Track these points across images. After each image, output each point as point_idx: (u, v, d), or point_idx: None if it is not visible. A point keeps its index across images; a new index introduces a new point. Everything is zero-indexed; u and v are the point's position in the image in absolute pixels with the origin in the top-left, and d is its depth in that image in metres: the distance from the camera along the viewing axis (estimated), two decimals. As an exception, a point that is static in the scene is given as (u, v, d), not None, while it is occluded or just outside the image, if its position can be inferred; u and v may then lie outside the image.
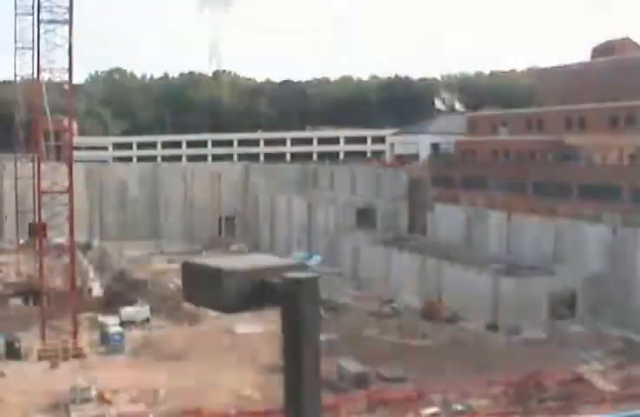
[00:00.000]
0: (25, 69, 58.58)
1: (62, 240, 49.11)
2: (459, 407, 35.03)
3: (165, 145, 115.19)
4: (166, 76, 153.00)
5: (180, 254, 70.32)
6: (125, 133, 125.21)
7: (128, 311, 51.59)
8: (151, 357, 44.33)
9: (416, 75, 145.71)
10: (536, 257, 55.11)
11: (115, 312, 51.34)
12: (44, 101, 46.30)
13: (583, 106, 65.19)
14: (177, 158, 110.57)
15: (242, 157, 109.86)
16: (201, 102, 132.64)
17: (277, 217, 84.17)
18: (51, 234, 49.77)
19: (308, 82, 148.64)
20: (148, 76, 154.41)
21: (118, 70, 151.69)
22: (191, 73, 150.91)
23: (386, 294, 60.43)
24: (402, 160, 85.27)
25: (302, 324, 3.60)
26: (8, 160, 74.19)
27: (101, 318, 49.89)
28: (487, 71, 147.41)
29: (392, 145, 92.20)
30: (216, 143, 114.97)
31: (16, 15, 59.08)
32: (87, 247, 75.70)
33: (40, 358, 43.55)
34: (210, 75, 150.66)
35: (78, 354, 44.34)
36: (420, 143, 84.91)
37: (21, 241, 68.95)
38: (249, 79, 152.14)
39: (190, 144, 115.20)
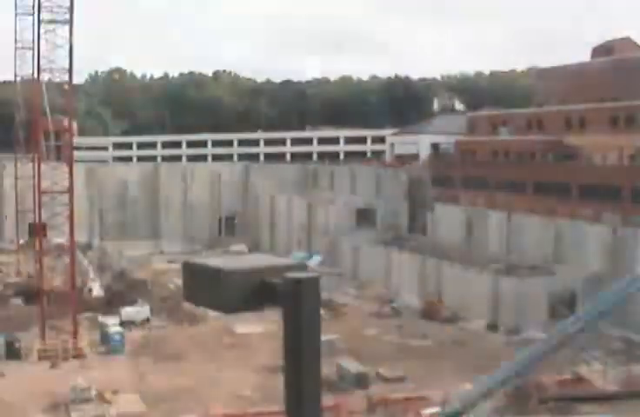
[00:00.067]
0: (25, 69, 58.62)
1: (62, 240, 49.08)
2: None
3: (165, 145, 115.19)
4: (166, 76, 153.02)
5: (180, 254, 70.32)
6: (125, 133, 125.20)
7: (128, 311, 51.58)
8: (151, 357, 44.32)
9: (416, 75, 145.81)
10: (536, 257, 55.10)
11: (115, 312, 51.33)
12: (44, 101, 46.30)
13: (583, 106, 65.17)
14: (177, 158, 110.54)
15: (242, 157, 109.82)
16: (201, 102, 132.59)
17: (277, 217, 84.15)
18: (51, 235, 49.76)
19: (308, 82, 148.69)
20: (148, 76, 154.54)
21: (118, 70, 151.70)
22: (191, 73, 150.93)
23: (386, 294, 60.45)
24: (402, 160, 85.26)
25: (302, 324, 3.60)
26: (8, 160, 74.17)
27: (101, 318, 49.87)
28: (487, 71, 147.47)
29: (392, 145, 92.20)
30: (216, 143, 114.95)
31: (16, 15, 59.10)
32: (87, 247, 75.68)
33: (40, 358, 43.55)
34: (210, 75, 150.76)
35: (78, 354, 44.33)
36: (420, 143, 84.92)
37: (21, 241, 68.91)
38: (249, 79, 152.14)
39: (190, 144, 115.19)
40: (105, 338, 46.48)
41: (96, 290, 57.56)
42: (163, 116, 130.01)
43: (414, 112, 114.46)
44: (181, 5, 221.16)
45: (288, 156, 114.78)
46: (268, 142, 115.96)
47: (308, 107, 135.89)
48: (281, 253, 75.48)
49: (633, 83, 61.43)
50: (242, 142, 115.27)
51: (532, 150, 66.58)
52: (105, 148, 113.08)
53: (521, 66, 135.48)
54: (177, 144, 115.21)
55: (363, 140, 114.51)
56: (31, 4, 47.15)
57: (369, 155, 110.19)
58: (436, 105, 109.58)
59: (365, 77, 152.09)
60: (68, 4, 42.98)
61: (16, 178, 66.85)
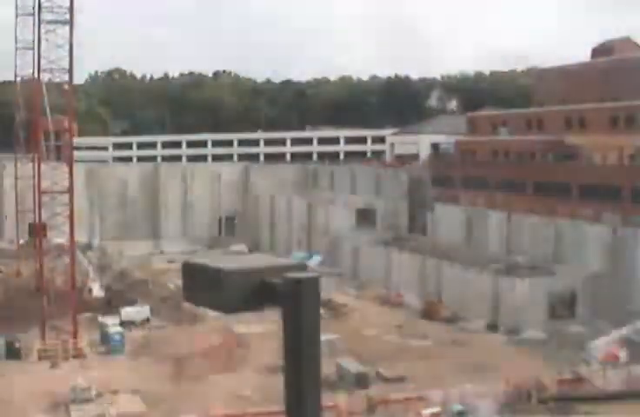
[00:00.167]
0: (26, 70, 58.61)
1: (62, 240, 49.09)
2: (459, 407, 35.04)
3: (165, 145, 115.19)
4: (166, 76, 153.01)
5: (180, 254, 70.32)
6: (125, 133, 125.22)
7: (128, 311, 51.58)
8: (151, 357, 44.32)
9: (416, 75, 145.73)
10: (536, 257, 55.11)
11: (115, 312, 51.33)
12: (44, 101, 46.34)
13: (583, 106, 65.15)
14: (177, 158, 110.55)
15: (242, 157, 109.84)
16: (201, 102, 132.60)
17: (277, 217, 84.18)
18: (51, 235, 49.76)
19: (308, 82, 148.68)
20: (148, 76, 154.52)
21: (118, 70, 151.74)
22: (191, 73, 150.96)
23: (386, 294, 60.47)
24: (402, 160, 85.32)
25: (302, 324, 3.60)
26: (8, 160, 74.17)
27: (101, 318, 49.88)
28: (487, 71, 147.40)
29: (392, 145, 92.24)
30: (216, 143, 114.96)
31: (16, 15, 59.09)
32: (87, 247, 75.67)
33: (40, 358, 43.56)
34: (210, 75, 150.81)
35: (78, 354, 44.34)
36: (420, 143, 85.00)
37: (21, 241, 68.90)
38: (249, 79, 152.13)
39: (190, 144, 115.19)
40: (105, 338, 46.50)
41: (96, 290, 57.55)
42: (163, 116, 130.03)
43: (414, 112, 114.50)
44: (181, 5, 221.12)
45: (288, 156, 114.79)
46: (268, 142, 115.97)
47: (308, 107, 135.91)
48: (281, 253, 75.50)
49: (633, 83, 61.42)
50: (242, 142, 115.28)
51: (532, 150, 66.58)
52: (105, 149, 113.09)
53: (521, 66, 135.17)
54: (177, 144, 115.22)
55: (363, 140, 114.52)
56: (32, 5, 47.26)
57: (369, 155, 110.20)
58: (435, 105, 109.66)
59: (365, 77, 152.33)
60: (68, 4, 43.03)
61: (16, 178, 66.85)
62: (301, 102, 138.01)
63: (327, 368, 30.68)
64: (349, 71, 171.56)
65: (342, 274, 67.62)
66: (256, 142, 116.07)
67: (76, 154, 53.49)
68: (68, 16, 43.27)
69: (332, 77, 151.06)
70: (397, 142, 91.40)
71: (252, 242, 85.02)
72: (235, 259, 4.00)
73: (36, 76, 45.82)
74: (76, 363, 43.28)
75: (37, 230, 50.08)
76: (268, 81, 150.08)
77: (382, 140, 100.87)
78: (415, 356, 43.85)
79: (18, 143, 66.04)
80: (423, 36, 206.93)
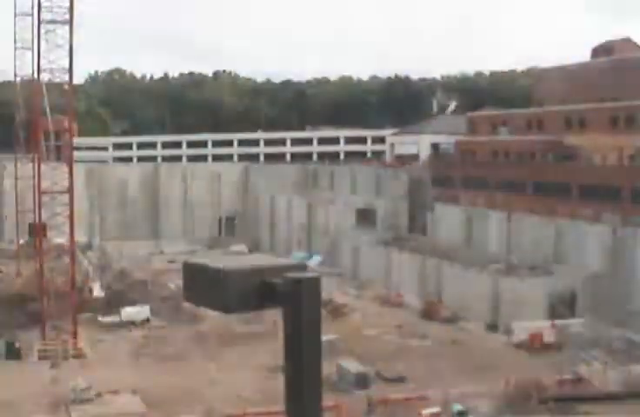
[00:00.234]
0: (25, 70, 58.61)
1: (62, 240, 49.09)
2: (459, 407, 35.04)
3: (165, 145, 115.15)
4: (166, 76, 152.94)
5: (180, 254, 70.32)
6: (125, 133, 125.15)
7: (128, 311, 51.59)
8: (151, 357, 44.32)
9: (416, 75, 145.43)
10: (536, 257, 55.10)
11: (115, 312, 51.33)
12: (44, 101, 46.32)
13: (583, 106, 65.17)
14: (177, 158, 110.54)
15: (242, 157, 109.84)
16: (201, 102, 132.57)
17: (277, 217, 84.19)
18: (51, 235, 49.76)
19: (308, 82, 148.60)
20: (148, 76, 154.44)
21: (118, 70, 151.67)
22: (191, 73, 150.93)
23: (386, 294, 60.46)
24: (402, 160, 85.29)
25: (302, 324, 3.60)
26: (8, 160, 74.19)
27: (101, 318, 49.87)
28: (487, 71, 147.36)
29: (392, 145, 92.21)
30: (216, 143, 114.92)
31: (15, 15, 59.09)
32: (87, 247, 75.68)
33: (40, 358, 43.55)
34: (210, 75, 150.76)
35: (78, 354, 44.33)
36: (420, 143, 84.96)
37: (21, 241, 68.91)
38: (249, 79, 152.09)
39: (190, 144, 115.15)
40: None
41: (96, 290, 57.53)
42: (163, 116, 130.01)
43: (414, 112, 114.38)
44: (181, 5, 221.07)
45: (288, 156, 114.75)
46: (268, 142, 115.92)
47: (308, 107, 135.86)
48: (281, 253, 75.52)
49: (633, 83, 61.42)
50: (242, 142, 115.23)
51: (532, 150, 66.58)
52: (105, 149, 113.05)
53: (521, 66, 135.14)
54: (177, 144, 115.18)
55: (363, 140, 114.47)
56: (31, 4, 47.22)
57: (369, 155, 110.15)
58: (435, 105, 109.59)
59: (365, 77, 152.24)
60: (68, 4, 43.02)
61: (16, 178, 66.86)
62: (301, 102, 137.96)
63: (327, 368, 30.67)
64: (349, 71, 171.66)
65: (342, 274, 67.63)
66: (256, 142, 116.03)
67: (76, 154, 53.49)
68: (67, 16, 43.27)
69: (332, 77, 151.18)
70: (397, 142, 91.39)
71: (252, 242, 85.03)
72: (235, 259, 4.00)
73: (35, 75, 45.81)
74: (76, 363, 43.29)
75: (37, 230, 50.08)
76: (268, 81, 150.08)
77: (382, 140, 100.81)
78: (415, 356, 43.86)
79: (18, 143, 66.04)
80: (422, 37, 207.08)
